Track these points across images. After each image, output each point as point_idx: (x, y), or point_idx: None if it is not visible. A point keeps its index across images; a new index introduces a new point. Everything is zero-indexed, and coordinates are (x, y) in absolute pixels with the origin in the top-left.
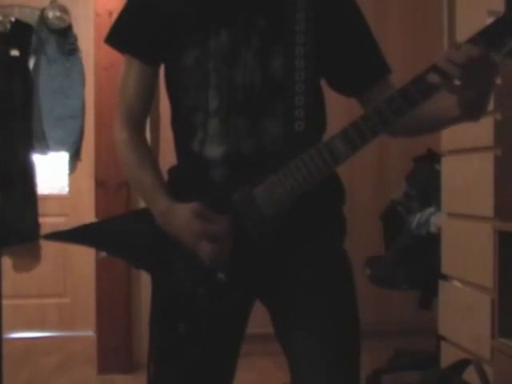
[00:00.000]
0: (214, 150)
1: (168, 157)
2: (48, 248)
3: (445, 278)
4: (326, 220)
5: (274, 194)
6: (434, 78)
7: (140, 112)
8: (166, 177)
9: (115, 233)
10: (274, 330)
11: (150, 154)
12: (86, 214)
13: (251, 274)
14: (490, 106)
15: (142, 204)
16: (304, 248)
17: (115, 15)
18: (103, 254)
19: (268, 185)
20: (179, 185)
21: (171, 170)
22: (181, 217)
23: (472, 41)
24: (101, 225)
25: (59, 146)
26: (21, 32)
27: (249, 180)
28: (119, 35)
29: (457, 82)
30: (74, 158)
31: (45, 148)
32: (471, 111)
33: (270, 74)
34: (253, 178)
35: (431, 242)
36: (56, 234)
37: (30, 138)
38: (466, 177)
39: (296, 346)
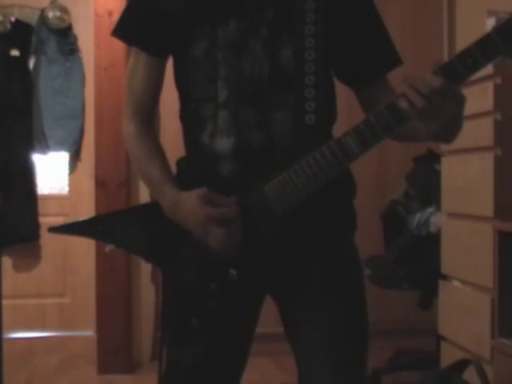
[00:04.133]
0: (223, 143)
1: (167, 149)
2: (48, 248)
3: (445, 277)
4: (337, 215)
5: (285, 191)
6: (403, 104)
7: (148, 104)
8: (174, 168)
9: (124, 226)
10: (283, 326)
11: (157, 146)
12: (86, 214)
13: (262, 271)
14: (490, 106)
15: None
16: (314, 244)
17: (115, 15)
18: (112, 246)
19: (279, 182)
20: (188, 178)
21: (180, 162)
22: (188, 204)
23: (435, 73)
24: (109, 217)
25: (59, 146)
26: (21, 32)
27: (259, 177)
28: (126, 28)
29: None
30: (74, 158)
31: (45, 148)
32: (439, 138)
33: (278, 66)
34: (263, 174)
35: (431, 242)
36: (63, 226)
37: (30, 138)
38: (465, 177)
39: (304, 343)
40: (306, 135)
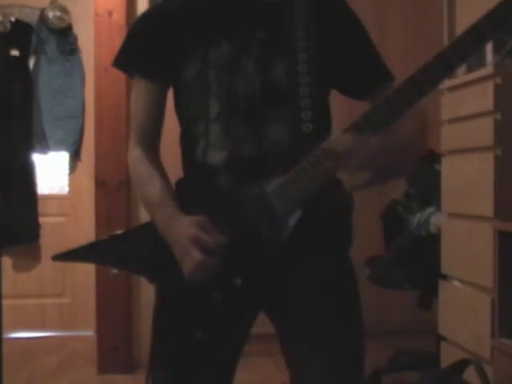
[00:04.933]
0: (216, 157)
1: (168, 170)
2: (48, 248)
3: (445, 277)
4: (333, 228)
5: (287, 193)
6: (328, 163)
7: (151, 131)
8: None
9: (124, 248)
10: (278, 340)
11: (160, 170)
12: (86, 214)
13: (265, 278)
14: (490, 106)
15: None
16: (309, 257)
17: (115, 15)
18: (115, 270)
19: (281, 184)
20: (186, 195)
21: (178, 183)
22: (181, 223)
23: (346, 130)
24: (108, 241)
25: (59, 146)
26: (21, 32)
27: (260, 181)
28: (126, 58)
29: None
30: (74, 158)
31: (45, 148)
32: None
33: (270, 81)
34: (262, 180)
35: (431, 242)
36: (64, 254)
37: (30, 138)
38: (466, 177)
39: (298, 359)
40: (304, 144)
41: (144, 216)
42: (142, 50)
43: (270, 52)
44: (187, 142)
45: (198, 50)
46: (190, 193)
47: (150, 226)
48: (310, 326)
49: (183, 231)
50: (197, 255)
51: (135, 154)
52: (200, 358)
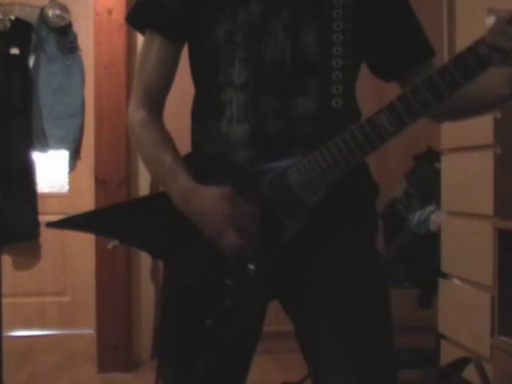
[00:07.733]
0: (238, 130)
1: None
2: (48, 246)
3: (445, 276)
4: (359, 215)
5: (310, 176)
6: (484, 51)
7: (159, 92)
8: None
9: (129, 219)
10: (296, 335)
11: (168, 135)
12: None
13: (279, 267)
14: None
15: None
16: (332, 245)
17: (115, 13)
18: (115, 242)
19: (303, 166)
20: (198, 173)
21: (187, 158)
22: (208, 197)
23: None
24: (112, 210)
25: (59, 145)
26: (21, 30)
27: (280, 161)
28: (141, 12)
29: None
30: (74, 157)
31: (45, 146)
32: None
33: (301, 50)
34: (284, 159)
35: (431, 240)
36: (62, 221)
37: (29, 137)
38: (465, 175)
39: (324, 361)
40: (332, 120)
41: None
42: (158, 4)
43: (302, 16)
44: (211, 108)
45: (226, 10)
46: (201, 170)
47: (161, 197)
48: (338, 330)
49: (212, 209)
50: (233, 238)
51: (140, 116)
52: (210, 348)
